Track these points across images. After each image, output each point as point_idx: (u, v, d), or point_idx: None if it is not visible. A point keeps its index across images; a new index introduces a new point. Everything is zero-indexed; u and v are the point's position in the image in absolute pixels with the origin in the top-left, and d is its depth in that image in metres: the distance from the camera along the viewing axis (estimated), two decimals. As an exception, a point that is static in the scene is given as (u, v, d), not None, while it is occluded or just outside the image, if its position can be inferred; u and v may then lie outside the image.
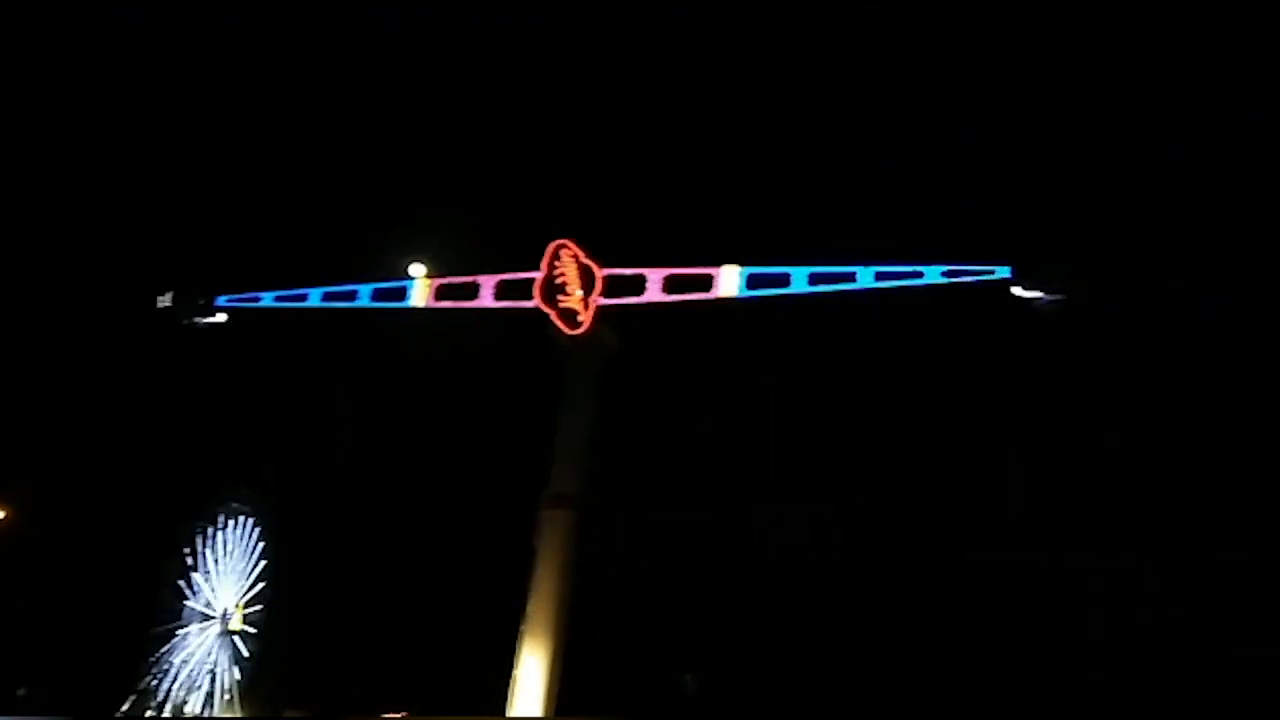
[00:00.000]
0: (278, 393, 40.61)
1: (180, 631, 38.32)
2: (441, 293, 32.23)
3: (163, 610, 37.91)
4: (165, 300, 34.84)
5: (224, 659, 38.52)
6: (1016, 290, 27.35)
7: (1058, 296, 26.89)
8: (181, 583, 38.58)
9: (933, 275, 27.75)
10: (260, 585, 39.42)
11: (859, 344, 33.48)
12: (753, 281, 29.32)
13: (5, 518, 40.64)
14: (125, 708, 37.55)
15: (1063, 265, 27.13)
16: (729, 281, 29.39)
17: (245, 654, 38.49)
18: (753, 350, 34.36)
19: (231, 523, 39.80)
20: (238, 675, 38.38)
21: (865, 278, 28.41)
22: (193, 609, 38.81)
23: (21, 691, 39.91)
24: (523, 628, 27.59)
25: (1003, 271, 27.14)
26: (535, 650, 27.40)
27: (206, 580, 39.18)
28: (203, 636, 38.44)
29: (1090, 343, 31.97)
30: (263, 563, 39.72)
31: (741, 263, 29.50)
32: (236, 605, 39.12)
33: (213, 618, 38.95)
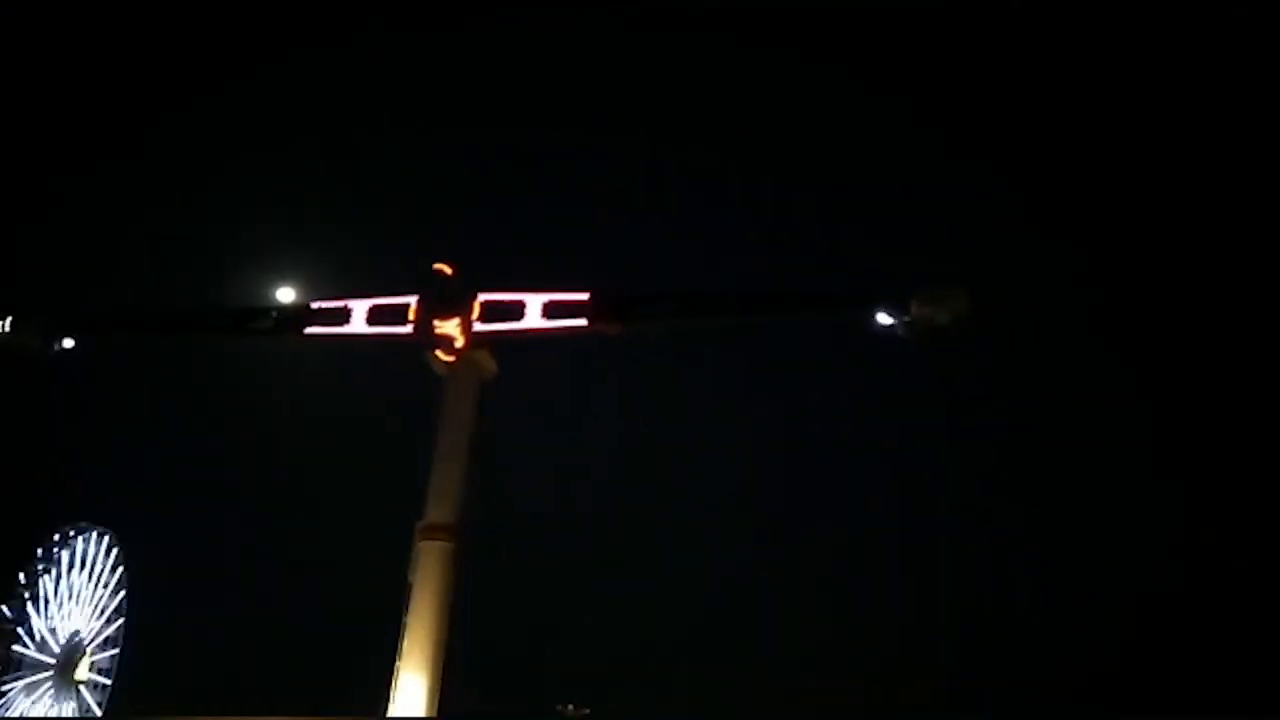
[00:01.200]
0: (132, 423, 38.37)
1: (14, 683, 35.52)
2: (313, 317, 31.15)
3: (-2, 659, 35.13)
4: (3, 326, 32.56)
5: (68, 711, 35.88)
6: (880, 318, 28.33)
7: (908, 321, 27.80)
8: (17, 628, 35.83)
9: None
10: (111, 628, 36.99)
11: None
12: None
13: None
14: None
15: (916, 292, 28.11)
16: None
17: (93, 706, 35.98)
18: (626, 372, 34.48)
19: (75, 561, 37.22)
20: (84, 727, 35.84)
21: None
22: (30, 657, 36.09)
23: None
24: (399, 664, 26.77)
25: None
26: (412, 684, 26.62)
27: (47, 625, 36.50)
28: (43, 688, 35.73)
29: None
30: (113, 604, 37.30)
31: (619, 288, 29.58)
32: (83, 652, 36.57)
33: (53, 666, 36.25)
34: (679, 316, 28.80)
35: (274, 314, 31.10)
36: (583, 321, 29.46)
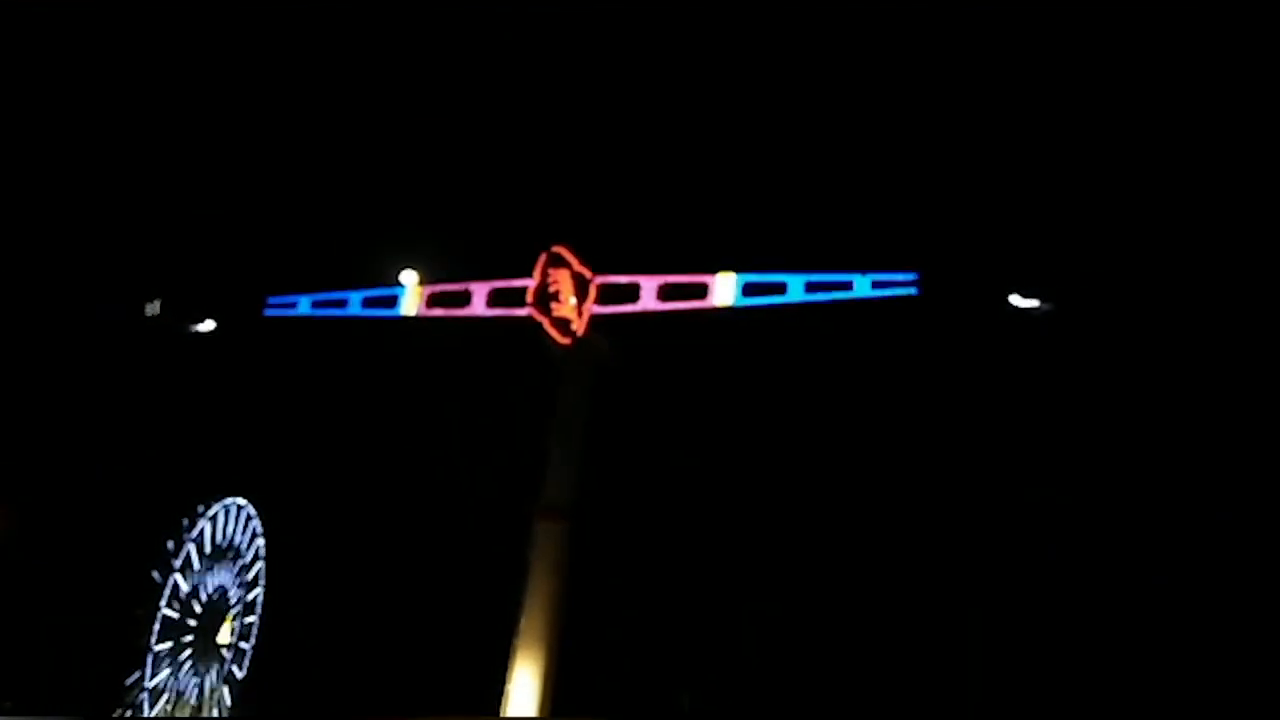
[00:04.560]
0: (263, 400, 40.08)
1: (165, 645, 37.68)
2: (433, 300, 31.99)
3: (148, 623, 37.27)
4: (153, 308, 34.49)
5: (212, 674, 37.96)
6: (1015, 299, 27.22)
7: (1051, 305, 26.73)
8: (167, 594, 37.97)
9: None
10: (249, 595, 38.93)
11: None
12: (749, 289, 29.02)
13: (-5, 527, 39.97)
14: (113, 722, 37.00)
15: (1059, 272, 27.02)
16: (725, 289, 29.07)
17: (233, 669, 37.94)
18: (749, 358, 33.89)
19: (217, 531, 39.23)
20: (226, 691, 37.84)
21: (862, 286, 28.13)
22: (179, 621, 38.21)
23: (8, 704, 39.28)
24: (515, 642, 27.25)
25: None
26: (528, 664, 27.07)
27: (193, 590, 38.59)
28: (187, 651, 37.82)
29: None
30: (252, 574, 39.25)
31: (735, 269, 29.20)
32: (225, 617, 38.56)
33: (199, 628, 38.34)
34: (806, 295, 28.15)
35: (398, 296, 32.01)
36: (699, 303, 29.23)
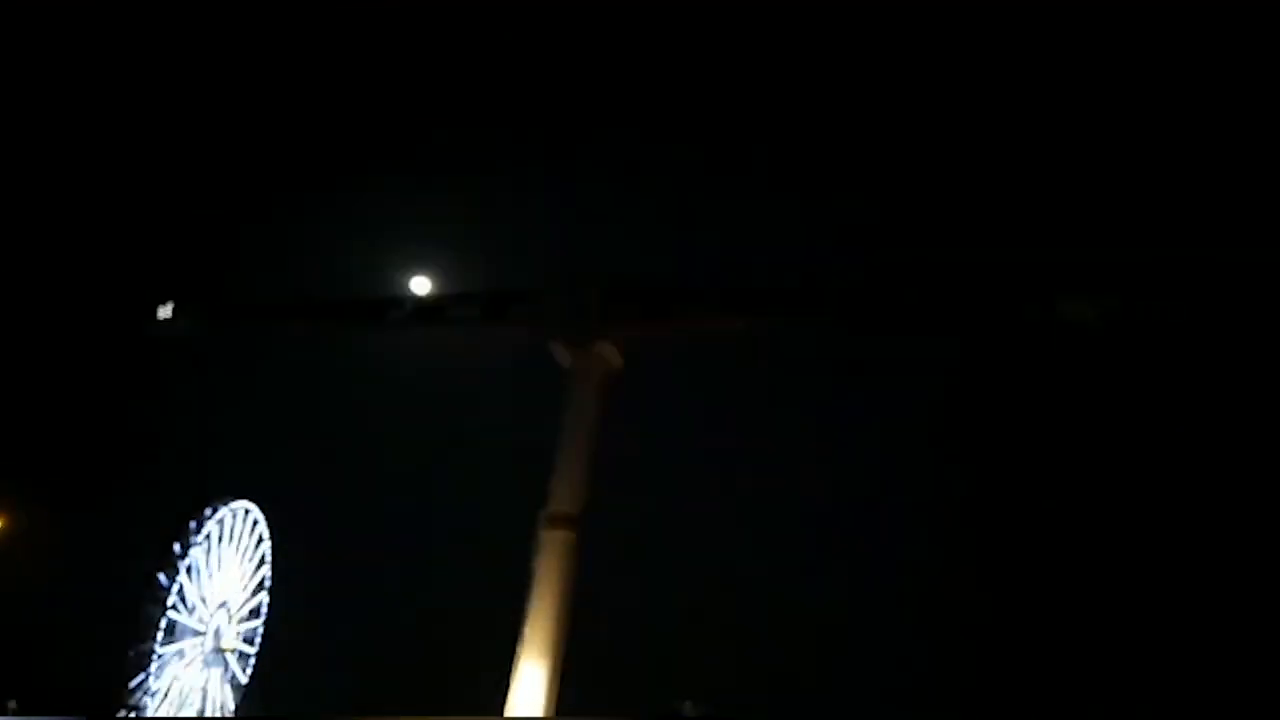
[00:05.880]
0: (274, 406, 40.33)
1: (171, 648, 37.76)
2: (445, 308, 32.04)
3: (153, 625, 37.39)
4: (165, 311, 34.64)
5: (216, 678, 37.97)
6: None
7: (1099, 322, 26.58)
8: (174, 597, 38.08)
9: None
10: (254, 600, 39.01)
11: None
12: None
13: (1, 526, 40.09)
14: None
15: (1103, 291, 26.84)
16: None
17: (238, 674, 37.97)
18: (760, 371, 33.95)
19: (224, 535, 39.33)
20: (230, 695, 37.84)
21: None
22: (184, 624, 38.29)
23: (13, 704, 39.33)
24: (519, 649, 27.15)
25: None
26: (532, 671, 26.93)
27: (199, 595, 38.67)
28: (194, 653, 37.89)
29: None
30: (257, 578, 39.33)
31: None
32: (230, 621, 38.63)
33: (203, 634, 38.39)
34: (819, 315, 28.06)
35: (409, 304, 32.08)
36: (711, 316, 29.26)
